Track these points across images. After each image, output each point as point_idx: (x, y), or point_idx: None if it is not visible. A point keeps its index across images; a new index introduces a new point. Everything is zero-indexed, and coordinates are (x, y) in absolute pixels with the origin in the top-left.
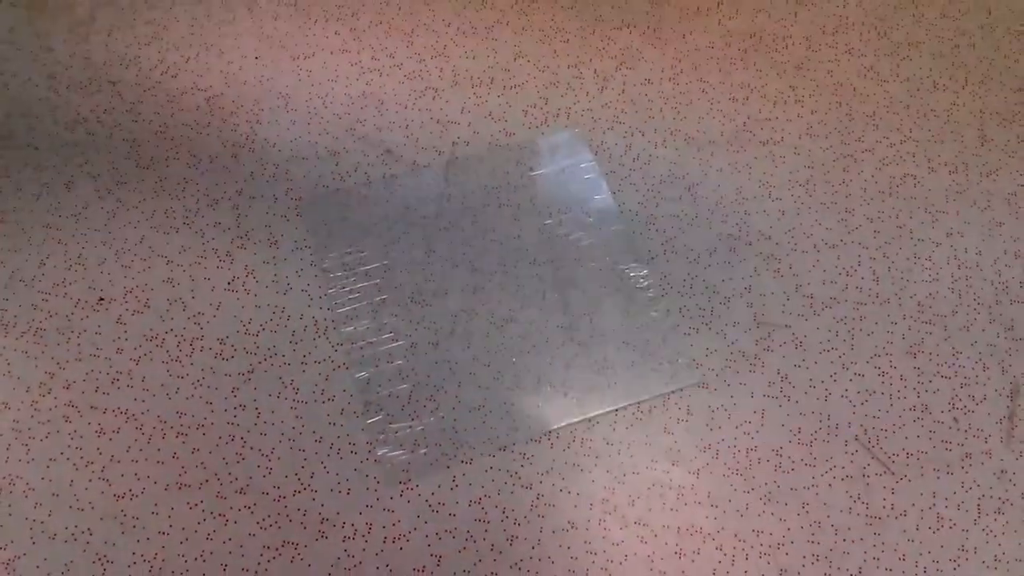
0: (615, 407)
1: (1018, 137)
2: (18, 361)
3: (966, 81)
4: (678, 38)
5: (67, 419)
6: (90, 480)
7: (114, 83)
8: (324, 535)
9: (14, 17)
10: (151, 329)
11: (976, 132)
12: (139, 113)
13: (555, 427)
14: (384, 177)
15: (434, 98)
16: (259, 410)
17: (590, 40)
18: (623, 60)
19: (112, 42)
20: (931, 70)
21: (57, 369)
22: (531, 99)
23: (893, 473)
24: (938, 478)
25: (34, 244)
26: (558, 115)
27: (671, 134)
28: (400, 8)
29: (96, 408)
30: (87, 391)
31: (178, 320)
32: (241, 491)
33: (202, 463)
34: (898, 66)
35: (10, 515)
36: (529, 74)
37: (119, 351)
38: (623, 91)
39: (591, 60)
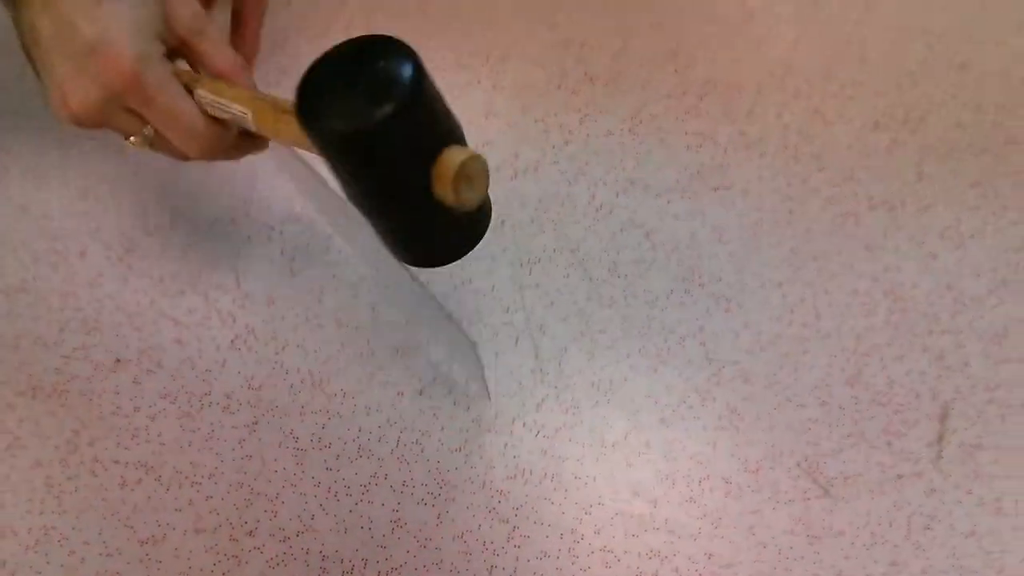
0: (582, 444)
1: (953, 172)
2: (46, 422)
3: (906, 118)
4: (637, 88)
5: (93, 473)
6: (116, 528)
7: (120, 149)
8: (326, 571)
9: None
10: (164, 387)
11: (914, 168)
12: (144, 178)
13: (527, 464)
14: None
15: None
16: (264, 459)
17: (555, 95)
18: (586, 112)
19: None
20: (873, 109)
21: (81, 427)
22: (502, 155)
23: (831, 496)
24: (872, 498)
25: (53, 312)
26: (527, 170)
27: (631, 183)
28: None
29: (119, 462)
30: (109, 447)
31: (188, 378)
32: (251, 533)
33: (215, 510)
34: (843, 106)
35: (48, 563)
36: (499, 131)
37: (136, 409)
38: (586, 143)
39: (556, 114)
